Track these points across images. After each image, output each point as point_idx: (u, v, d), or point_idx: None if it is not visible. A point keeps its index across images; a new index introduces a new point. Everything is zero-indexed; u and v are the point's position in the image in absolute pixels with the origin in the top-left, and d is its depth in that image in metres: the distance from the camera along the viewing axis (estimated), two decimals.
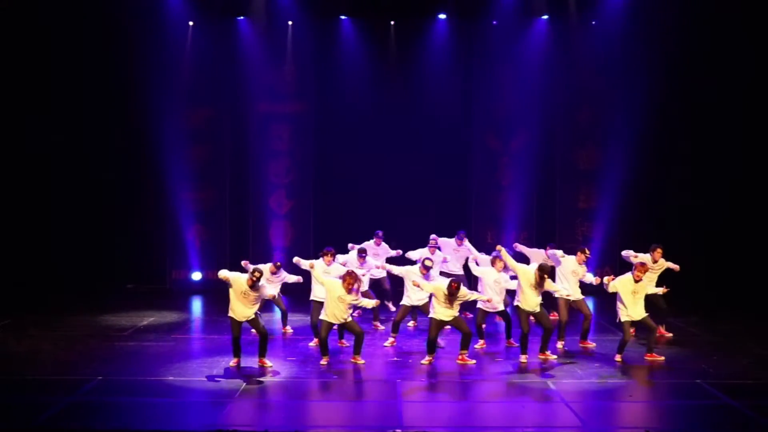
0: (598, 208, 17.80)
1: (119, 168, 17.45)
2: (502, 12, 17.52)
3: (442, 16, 17.74)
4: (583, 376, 10.66)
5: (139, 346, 12.15)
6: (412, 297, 12.17)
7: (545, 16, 17.69)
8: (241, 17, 17.66)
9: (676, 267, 12.77)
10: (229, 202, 17.96)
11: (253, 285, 10.71)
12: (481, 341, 12.21)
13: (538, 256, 13.93)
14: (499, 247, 11.94)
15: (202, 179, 17.75)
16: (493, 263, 12.29)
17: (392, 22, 17.78)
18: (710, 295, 16.45)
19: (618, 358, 11.37)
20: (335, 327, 11.49)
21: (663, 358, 11.48)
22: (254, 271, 10.79)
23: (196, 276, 17.67)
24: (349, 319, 11.15)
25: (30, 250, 17.00)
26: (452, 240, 14.52)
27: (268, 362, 11.01)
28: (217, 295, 16.24)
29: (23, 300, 15.66)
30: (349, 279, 10.92)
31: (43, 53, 16.80)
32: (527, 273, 11.46)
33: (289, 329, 13.26)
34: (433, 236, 14.03)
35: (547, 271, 11.40)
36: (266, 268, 12.11)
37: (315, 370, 10.90)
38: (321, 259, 12.48)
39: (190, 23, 17.52)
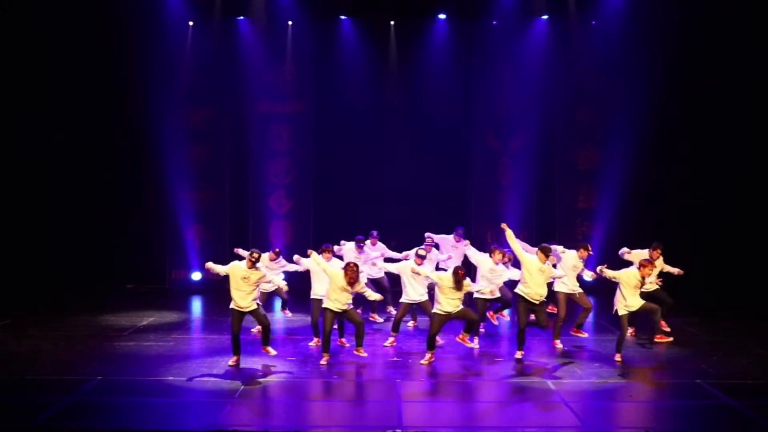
0: (598, 208, 17.79)
1: (119, 168, 17.44)
2: (502, 12, 17.52)
3: (442, 16, 17.74)
4: (583, 376, 10.66)
5: (138, 346, 12.15)
6: (411, 294, 12.09)
7: (545, 16, 17.69)
8: (241, 17, 17.66)
9: (675, 271, 12.73)
10: (228, 202, 17.95)
11: (253, 265, 10.77)
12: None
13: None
14: (504, 225, 11.65)
15: (201, 179, 17.74)
16: (491, 254, 12.23)
17: (392, 22, 17.78)
18: (710, 295, 16.45)
19: (618, 357, 11.35)
20: (335, 327, 11.53)
21: (671, 339, 11.46)
22: (252, 252, 10.90)
23: (196, 276, 17.66)
24: (350, 307, 11.17)
25: (30, 250, 16.99)
26: (450, 237, 14.48)
27: (272, 350, 11.04)
28: (217, 295, 16.25)
29: (23, 300, 15.64)
30: (350, 272, 10.95)
31: (43, 53, 16.78)
32: (532, 260, 11.38)
33: (288, 312, 13.34)
34: (428, 234, 14.00)
35: (549, 251, 11.36)
36: (265, 255, 12.35)
37: (315, 370, 10.90)
38: (320, 255, 12.53)
39: (190, 23, 17.52)
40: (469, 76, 17.99)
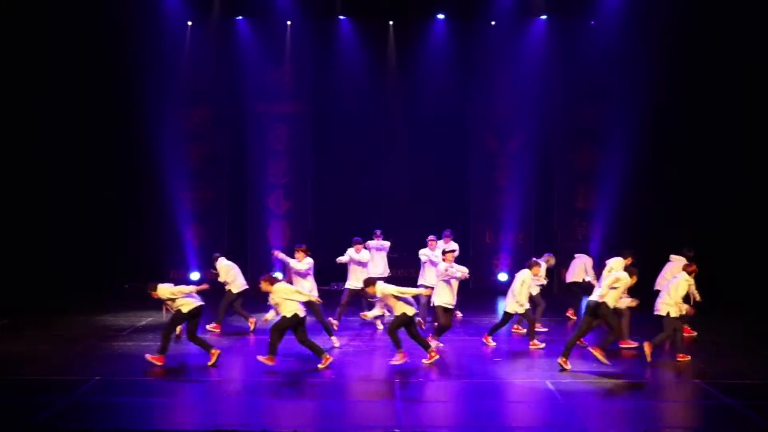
0: (597, 208, 17.79)
1: (118, 168, 17.44)
2: (500, 12, 17.54)
3: (441, 17, 17.75)
4: (583, 376, 10.64)
5: (137, 346, 12.12)
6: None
7: (544, 16, 17.70)
8: (240, 17, 17.67)
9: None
10: (227, 201, 17.97)
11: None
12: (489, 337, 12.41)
13: (583, 260, 14.04)
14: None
15: (200, 179, 17.76)
16: (530, 267, 12.37)
17: (391, 23, 17.80)
18: (710, 295, 16.38)
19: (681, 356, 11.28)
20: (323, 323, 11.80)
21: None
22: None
23: (195, 276, 17.63)
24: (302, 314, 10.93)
25: (30, 250, 16.96)
26: (440, 241, 14.32)
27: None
28: (215, 294, 16.18)
29: (23, 300, 15.62)
30: (262, 283, 10.95)
31: (43, 53, 16.77)
32: (622, 278, 11.10)
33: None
34: (431, 237, 13.95)
35: (635, 273, 11.26)
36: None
37: (314, 369, 10.88)
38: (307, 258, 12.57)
39: (189, 23, 17.51)
40: (468, 76, 17.99)
